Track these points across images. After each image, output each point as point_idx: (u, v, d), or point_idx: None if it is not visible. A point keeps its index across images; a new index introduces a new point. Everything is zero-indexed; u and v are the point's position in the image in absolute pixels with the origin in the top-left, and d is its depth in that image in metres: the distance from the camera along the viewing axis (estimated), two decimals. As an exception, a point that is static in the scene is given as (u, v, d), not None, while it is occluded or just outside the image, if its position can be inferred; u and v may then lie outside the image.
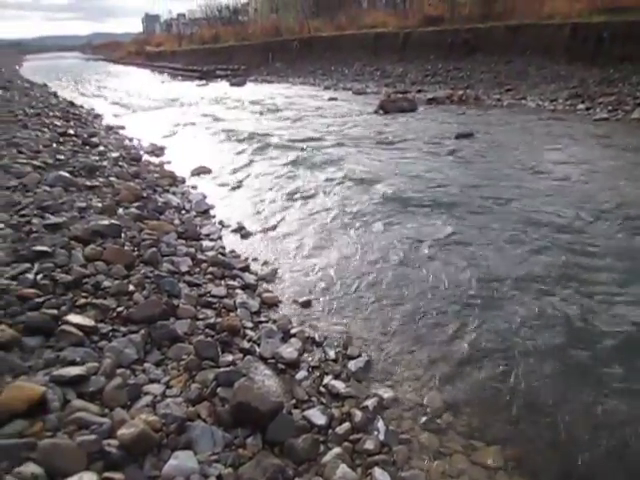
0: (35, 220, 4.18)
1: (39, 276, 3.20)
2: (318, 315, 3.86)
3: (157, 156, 9.51)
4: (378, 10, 33.91)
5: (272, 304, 3.98)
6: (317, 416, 2.66)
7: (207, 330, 3.23)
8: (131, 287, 3.41)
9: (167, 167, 8.45)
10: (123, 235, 4.34)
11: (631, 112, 11.33)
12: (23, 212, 4.36)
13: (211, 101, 19.28)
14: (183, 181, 7.67)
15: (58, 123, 10.20)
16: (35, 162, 6.14)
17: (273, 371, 2.95)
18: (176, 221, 5.48)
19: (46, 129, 8.95)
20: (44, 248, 3.56)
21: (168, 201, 6.19)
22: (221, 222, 5.91)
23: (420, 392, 2.97)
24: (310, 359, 3.24)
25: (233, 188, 7.48)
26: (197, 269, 4.24)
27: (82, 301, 3.08)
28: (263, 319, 3.67)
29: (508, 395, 2.90)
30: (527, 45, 17.25)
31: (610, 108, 11.93)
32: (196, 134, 12.26)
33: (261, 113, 15.32)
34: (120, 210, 5.09)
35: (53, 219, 4.25)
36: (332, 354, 3.31)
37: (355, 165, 8.18)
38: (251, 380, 2.64)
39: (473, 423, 2.73)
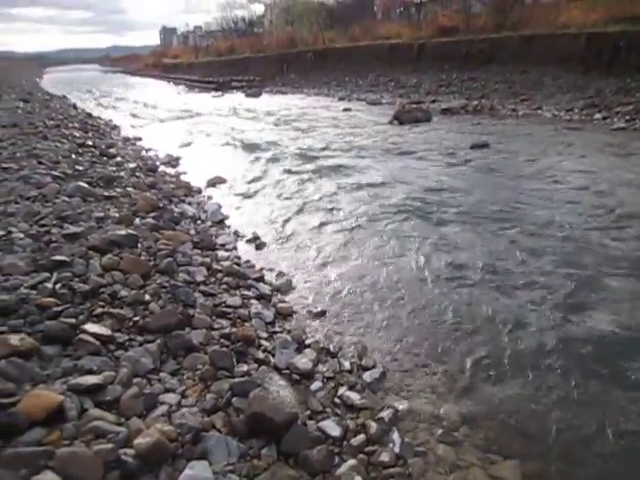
0: (54, 230, 4.27)
1: (58, 285, 3.25)
2: (333, 326, 3.85)
3: (173, 167, 9.60)
4: (392, 21, 34.18)
5: (287, 314, 3.97)
6: (332, 427, 2.65)
7: (222, 340, 3.24)
8: (147, 297, 3.45)
9: (183, 177, 8.54)
10: (140, 245, 4.39)
11: (649, 121, 11.20)
12: (42, 222, 4.45)
13: (226, 112, 19.51)
14: (199, 191, 7.74)
15: (77, 134, 10.37)
16: (54, 172, 6.27)
17: (288, 382, 2.94)
18: (192, 231, 5.52)
19: (65, 140, 9.12)
20: (63, 258, 3.62)
21: (184, 211, 6.25)
22: (236, 232, 5.95)
23: (436, 404, 2.93)
24: (325, 370, 3.23)
25: (248, 198, 7.53)
26: (212, 279, 4.26)
27: (99, 310, 3.12)
28: (278, 329, 3.67)
29: (526, 409, 2.86)
30: (542, 55, 17.17)
31: (628, 117, 11.82)
32: (212, 145, 12.39)
33: (276, 124, 15.44)
34: (137, 220, 5.15)
35: (72, 229, 4.32)
36: (347, 365, 3.30)
37: (369, 176, 8.20)
38: (266, 390, 2.63)
39: (490, 436, 2.68)
